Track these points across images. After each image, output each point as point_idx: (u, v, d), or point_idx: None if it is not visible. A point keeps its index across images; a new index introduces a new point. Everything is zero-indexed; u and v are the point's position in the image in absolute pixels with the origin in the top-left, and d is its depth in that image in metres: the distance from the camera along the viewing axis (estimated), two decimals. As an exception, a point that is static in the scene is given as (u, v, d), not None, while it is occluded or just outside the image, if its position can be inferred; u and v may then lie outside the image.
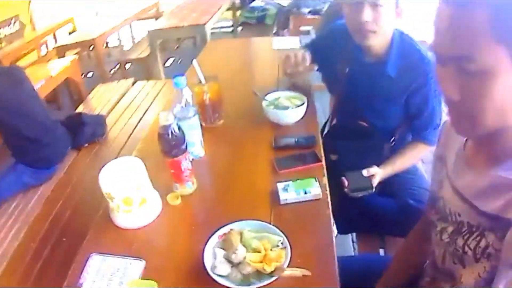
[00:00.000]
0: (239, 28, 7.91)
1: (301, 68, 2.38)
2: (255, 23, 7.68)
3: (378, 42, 2.14)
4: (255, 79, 3.01)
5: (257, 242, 1.47)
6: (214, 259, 1.46)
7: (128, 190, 1.65)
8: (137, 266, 1.47)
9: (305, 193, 1.79)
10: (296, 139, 2.21)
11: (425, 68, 2.12)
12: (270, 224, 1.60)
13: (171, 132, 1.68)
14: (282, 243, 1.48)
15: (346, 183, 2.10)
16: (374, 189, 2.08)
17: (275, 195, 1.82)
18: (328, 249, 1.50)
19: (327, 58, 2.49)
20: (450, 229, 1.26)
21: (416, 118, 2.27)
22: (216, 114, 2.44)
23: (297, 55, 2.37)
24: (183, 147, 1.74)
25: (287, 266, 1.39)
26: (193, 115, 2.05)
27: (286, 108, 2.38)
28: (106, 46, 8.38)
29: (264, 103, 2.40)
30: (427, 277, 1.48)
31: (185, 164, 1.79)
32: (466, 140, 1.23)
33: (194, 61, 2.36)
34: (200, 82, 2.33)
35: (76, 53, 6.35)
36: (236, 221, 1.59)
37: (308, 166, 2.00)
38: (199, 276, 1.40)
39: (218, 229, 1.57)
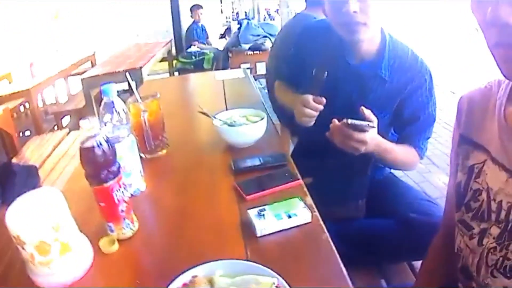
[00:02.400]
0: (176, 75, 7.47)
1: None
2: (192, 69, 7.25)
3: (369, 36, 1.77)
4: (200, 103, 2.48)
5: None
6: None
7: (42, 232, 1.13)
8: None
9: (289, 217, 1.30)
10: (261, 159, 1.72)
11: (420, 68, 1.83)
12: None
13: (97, 146, 1.23)
14: (277, 287, 0.94)
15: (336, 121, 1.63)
16: (372, 126, 1.58)
17: (247, 226, 1.33)
18: (341, 283, 1.09)
19: (297, 65, 2.12)
20: (495, 231, 1.03)
21: (407, 125, 1.92)
22: (158, 140, 1.91)
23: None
24: (115, 168, 1.28)
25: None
26: (127, 134, 1.54)
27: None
28: (44, 105, 7.77)
29: (215, 122, 1.91)
30: None
31: (119, 194, 1.31)
32: (505, 109, 1.03)
33: (127, 74, 1.82)
34: (136, 101, 1.77)
35: (12, 109, 5.76)
36: (200, 264, 1.07)
37: (284, 186, 1.52)
38: None
39: (174, 279, 1.04)
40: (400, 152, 1.86)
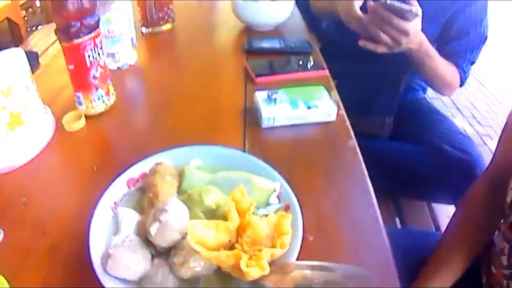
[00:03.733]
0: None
1: None
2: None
3: None
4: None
5: (218, 194, 0.55)
6: (111, 237, 0.59)
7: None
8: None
9: (309, 108, 0.92)
10: (282, 42, 1.34)
11: None
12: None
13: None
14: (278, 197, 0.57)
15: None
16: (417, 15, 1.17)
17: (252, 114, 0.98)
18: (366, 206, 0.75)
19: None
20: None
21: (453, 40, 1.53)
22: (162, 12, 1.51)
23: None
24: (91, 21, 0.96)
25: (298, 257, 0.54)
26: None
27: (264, 2, 1.49)
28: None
29: (231, -5, 1.47)
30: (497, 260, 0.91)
31: (94, 55, 0.98)
32: None
33: None
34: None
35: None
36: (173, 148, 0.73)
37: (306, 74, 1.12)
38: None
39: (131, 165, 0.69)
40: (443, 64, 1.48)
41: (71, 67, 0.97)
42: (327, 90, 0.99)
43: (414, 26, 1.21)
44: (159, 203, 0.56)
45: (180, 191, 0.63)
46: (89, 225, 0.60)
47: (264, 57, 1.24)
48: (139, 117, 1.08)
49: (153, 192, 0.60)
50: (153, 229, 0.52)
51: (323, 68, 1.17)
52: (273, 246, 0.50)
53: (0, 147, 0.87)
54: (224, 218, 0.54)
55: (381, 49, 1.26)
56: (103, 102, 1.03)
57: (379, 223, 0.71)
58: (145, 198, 0.62)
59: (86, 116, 1.01)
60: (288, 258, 0.52)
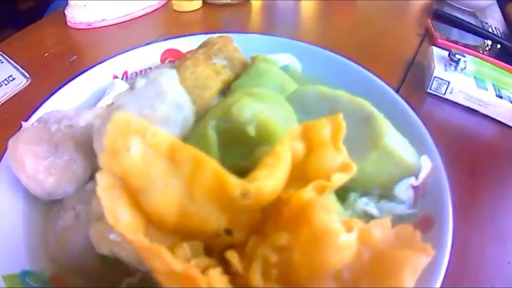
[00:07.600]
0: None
1: None
2: None
3: None
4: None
5: (283, 113, 0.21)
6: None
7: None
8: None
9: (499, 96, 0.53)
10: (479, 21, 0.90)
11: None
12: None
13: None
14: (416, 191, 0.22)
15: None
16: None
17: (418, 70, 0.61)
18: None
19: None
20: None
21: None
22: None
23: None
24: None
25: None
26: None
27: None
28: None
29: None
30: None
31: None
32: None
33: None
34: None
35: None
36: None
37: (500, 63, 0.68)
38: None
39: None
40: None
41: None
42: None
43: None
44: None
45: (227, 90, 0.30)
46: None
47: (451, 26, 0.84)
48: (272, 27, 0.75)
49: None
50: (85, 118, 0.20)
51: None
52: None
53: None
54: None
55: None
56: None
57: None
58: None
59: (204, 2, 0.75)
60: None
